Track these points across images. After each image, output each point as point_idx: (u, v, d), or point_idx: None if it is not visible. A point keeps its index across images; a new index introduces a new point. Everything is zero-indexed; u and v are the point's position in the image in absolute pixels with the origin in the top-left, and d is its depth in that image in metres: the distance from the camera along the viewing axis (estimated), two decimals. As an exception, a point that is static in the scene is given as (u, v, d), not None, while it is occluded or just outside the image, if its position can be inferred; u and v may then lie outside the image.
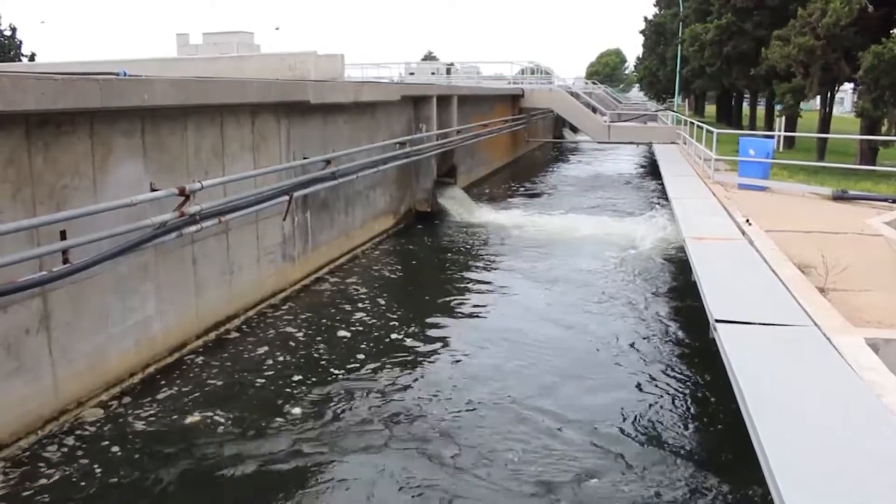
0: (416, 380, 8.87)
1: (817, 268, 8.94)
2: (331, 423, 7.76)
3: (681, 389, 8.74)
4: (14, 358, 7.14)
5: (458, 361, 9.47)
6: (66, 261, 7.35)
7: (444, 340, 10.23)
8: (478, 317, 11.32)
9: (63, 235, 7.45)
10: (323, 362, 9.44)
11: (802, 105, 24.79)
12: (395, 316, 11.27)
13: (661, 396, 8.53)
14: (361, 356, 9.55)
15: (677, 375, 9.15)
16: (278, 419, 7.83)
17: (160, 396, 8.38)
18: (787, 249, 10.07)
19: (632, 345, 10.10)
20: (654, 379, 9.01)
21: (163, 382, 8.75)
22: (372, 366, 9.26)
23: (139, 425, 7.66)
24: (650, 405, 8.28)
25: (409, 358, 9.58)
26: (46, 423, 7.50)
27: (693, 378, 9.09)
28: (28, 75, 6.96)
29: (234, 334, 10.47)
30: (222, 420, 7.79)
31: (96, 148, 8.07)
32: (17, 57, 46.20)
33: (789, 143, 28.83)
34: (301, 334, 10.52)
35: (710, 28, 30.72)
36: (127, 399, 8.28)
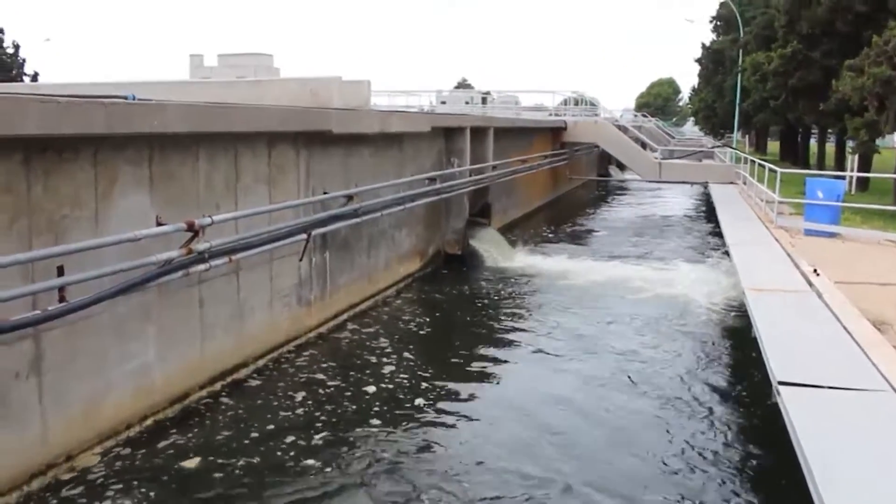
0: (436, 455, 8.61)
1: (895, 325, 8.78)
2: (339, 490, 7.69)
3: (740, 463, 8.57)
4: (0, 405, 7.19)
5: (481, 437, 9.16)
6: (62, 299, 7.42)
7: (471, 408, 9.99)
8: (511, 383, 11.03)
9: (60, 271, 7.54)
10: (335, 421, 9.37)
11: (879, 142, 24.61)
12: (419, 375, 11.08)
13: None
14: (377, 420, 9.38)
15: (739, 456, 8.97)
16: (283, 479, 7.80)
17: (158, 448, 8.38)
18: (861, 303, 9.92)
19: (683, 422, 9.84)
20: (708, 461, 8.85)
21: (162, 436, 8.76)
22: (389, 430, 9.12)
23: (134, 481, 7.65)
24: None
25: (432, 426, 9.34)
26: (33, 477, 7.52)
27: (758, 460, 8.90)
28: (30, 97, 7.12)
29: (243, 385, 10.48)
30: (222, 481, 7.76)
31: (100, 177, 8.20)
32: (19, 76, 47.49)
33: (863, 184, 28.56)
34: (316, 388, 10.49)
35: (774, 57, 30.73)
36: (123, 451, 8.28)
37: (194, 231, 8.96)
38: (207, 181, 9.94)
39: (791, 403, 6.36)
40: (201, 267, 9.19)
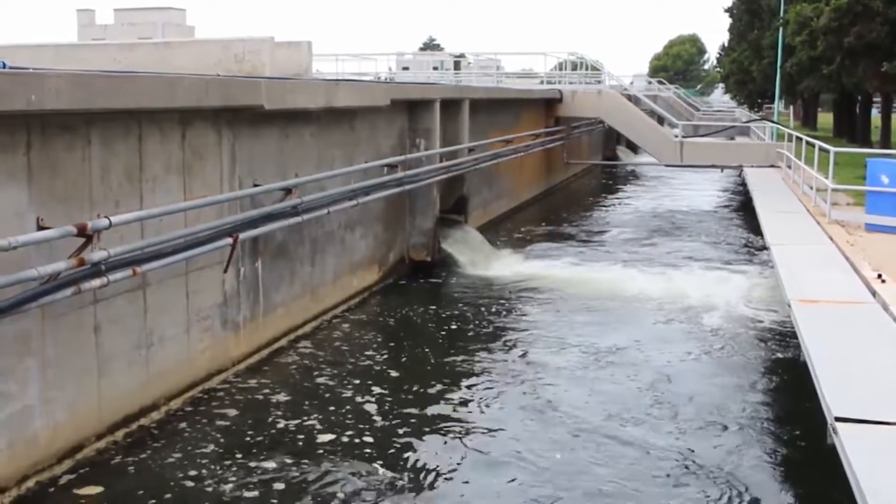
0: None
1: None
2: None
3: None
4: None
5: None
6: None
7: (446, 476, 9.79)
8: (496, 436, 10.80)
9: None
10: (265, 485, 9.32)
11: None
12: (375, 426, 11.02)
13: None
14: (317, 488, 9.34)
15: None
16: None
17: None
18: (937, 318, 10.04)
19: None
20: None
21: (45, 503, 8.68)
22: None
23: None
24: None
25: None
26: None
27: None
28: None
29: (151, 434, 10.42)
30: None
31: (-37, 169, 8.13)
32: None
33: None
34: (241, 437, 10.47)
35: (825, 9, 30.92)
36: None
37: (87, 236, 8.88)
38: (103, 172, 9.87)
39: (851, 444, 6.41)
40: (97, 282, 9.11)
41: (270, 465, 9.66)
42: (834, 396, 7.38)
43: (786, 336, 14.07)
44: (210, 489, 9.07)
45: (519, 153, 28.28)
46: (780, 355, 13.61)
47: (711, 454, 10.04)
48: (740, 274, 19.80)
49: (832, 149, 19.41)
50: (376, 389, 12.15)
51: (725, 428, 10.80)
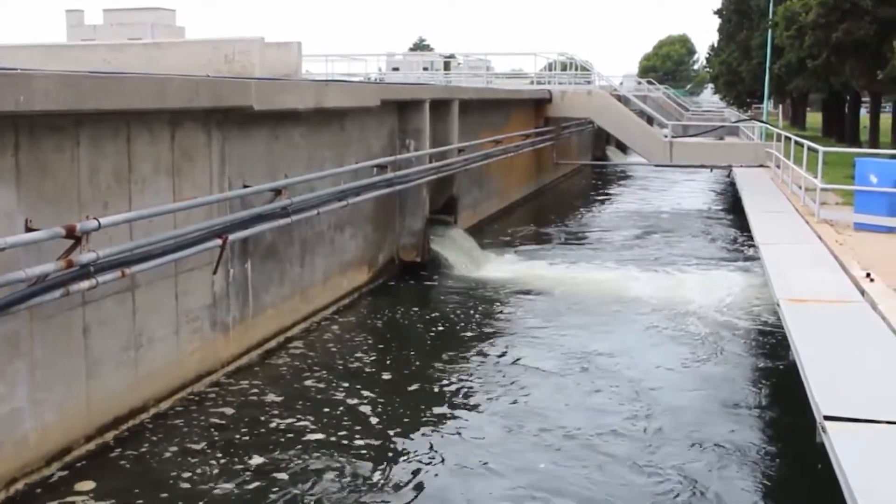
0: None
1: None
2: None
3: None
4: None
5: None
6: None
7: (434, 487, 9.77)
8: (480, 439, 10.77)
9: None
10: (252, 483, 9.33)
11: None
12: (364, 427, 11.01)
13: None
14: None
15: None
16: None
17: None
18: (926, 316, 10.06)
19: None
20: None
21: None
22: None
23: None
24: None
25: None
26: None
27: None
28: None
29: (140, 436, 10.39)
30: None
31: (-49, 170, 8.10)
32: None
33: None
34: (231, 437, 10.47)
35: (813, 5, 30.97)
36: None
37: (76, 238, 8.86)
38: (92, 173, 9.85)
39: (840, 443, 6.42)
40: (85, 284, 9.09)
41: (258, 462, 9.69)
42: (823, 395, 7.40)
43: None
44: (199, 486, 9.09)
45: (509, 153, 28.28)
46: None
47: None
48: (736, 272, 19.90)
49: (821, 148, 19.48)
50: (366, 392, 12.13)
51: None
